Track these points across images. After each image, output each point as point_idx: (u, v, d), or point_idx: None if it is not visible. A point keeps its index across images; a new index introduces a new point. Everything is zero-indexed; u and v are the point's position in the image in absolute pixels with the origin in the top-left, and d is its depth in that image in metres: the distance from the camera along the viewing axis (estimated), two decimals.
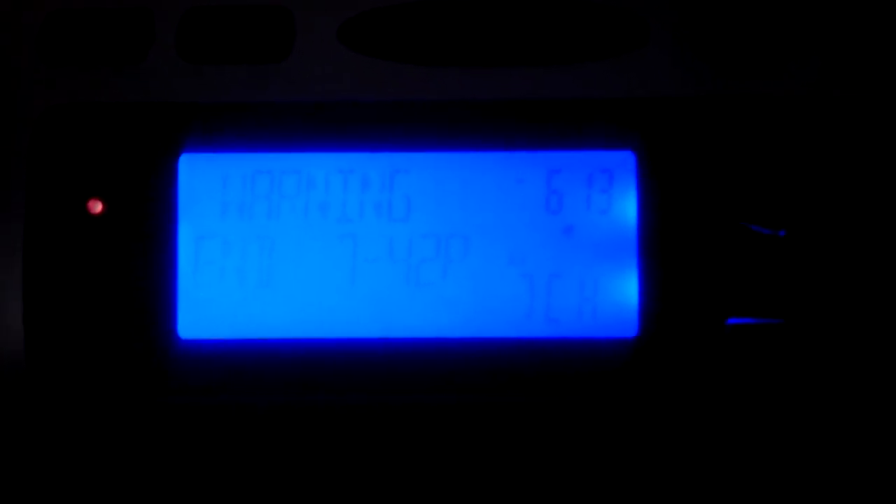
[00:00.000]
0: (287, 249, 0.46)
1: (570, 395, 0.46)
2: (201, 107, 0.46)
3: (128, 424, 0.46)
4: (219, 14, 0.47)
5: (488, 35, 0.46)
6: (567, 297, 0.46)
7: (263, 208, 0.46)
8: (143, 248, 0.46)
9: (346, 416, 0.46)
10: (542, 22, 0.46)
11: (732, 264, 0.45)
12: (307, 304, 0.46)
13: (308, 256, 0.46)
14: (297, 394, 0.46)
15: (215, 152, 0.46)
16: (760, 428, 0.46)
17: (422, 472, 0.46)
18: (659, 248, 0.45)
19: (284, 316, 0.46)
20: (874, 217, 0.45)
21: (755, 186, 0.45)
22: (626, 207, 0.46)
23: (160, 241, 0.46)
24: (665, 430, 0.46)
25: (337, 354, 0.46)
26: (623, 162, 0.46)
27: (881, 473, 0.46)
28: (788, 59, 0.46)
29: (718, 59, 0.46)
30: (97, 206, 0.46)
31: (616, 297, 0.46)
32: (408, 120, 0.46)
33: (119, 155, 0.47)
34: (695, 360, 0.45)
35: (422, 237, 0.46)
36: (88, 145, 0.47)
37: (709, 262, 0.45)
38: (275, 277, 0.46)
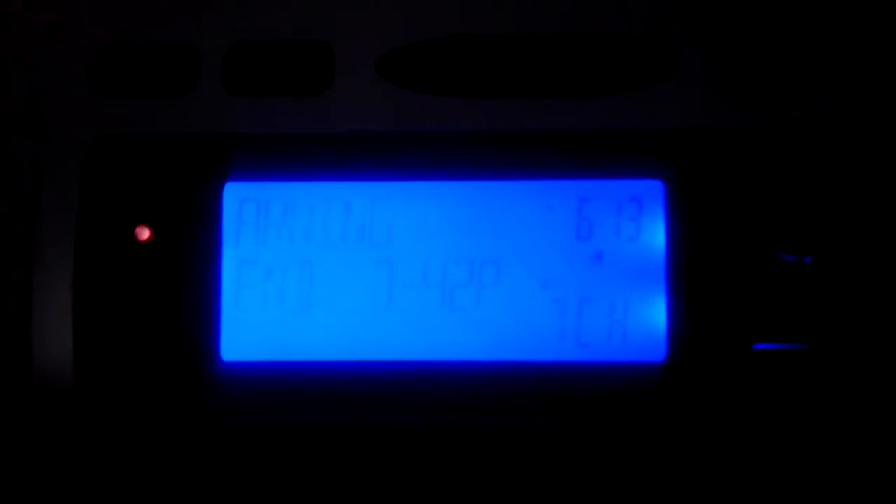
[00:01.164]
0: (326, 274, 0.48)
1: (599, 417, 0.47)
2: (245, 137, 0.48)
3: (173, 444, 0.48)
4: (262, 49, 0.48)
5: (522, 68, 0.48)
6: (597, 321, 0.47)
7: (303, 234, 0.48)
8: (189, 273, 0.48)
9: (382, 437, 0.47)
10: (573, 55, 0.48)
11: (758, 290, 0.46)
12: (345, 328, 0.47)
13: (346, 281, 0.47)
14: (336, 414, 0.47)
15: (258, 181, 0.48)
16: (786, 451, 0.46)
17: (457, 492, 0.47)
18: (686, 274, 0.47)
19: (323, 339, 0.47)
20: None
21: (780, 214, 0.46)
22: (655, 234, 0.47)
23: (204, 267, 0.48)
24: (693, 453, 0.47)
25: (374, 376, 0.47)
26: (652, 190, 0.47)
27: None
28: (813, 90, 0.47)
29: (745, 90, 0.47)
30: (145, 233, 0.48)
31: (645, 321, 0.47)
32: (443, 150, 0.48)
33: (166, 183, 0.48)
34: (722, 384, 0.46)
35: (456, 263, 0.47)
36: (137, 174, 0.48)
37: (735, 288, 0.46)
38: (314, 301, 0.47)
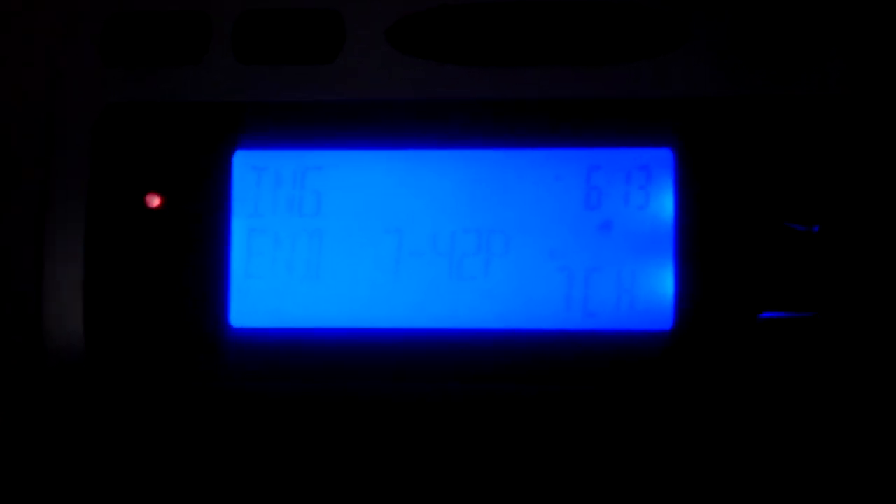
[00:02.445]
0: (334, 242, 0.48)
1: (606, 385, 0.47)
2: (255, 105, 0.48)
3: (183, 411, 0.48)
4: (271, 17, 0.49)
5: (532, 36, 0.48)
6: (605, 290, 0.47)
7: (313, 203, 0.48)
8: (198, 240, 0.48)
9: (390, 404, 0.47)
10: (583, 23, 0.48)
11: (766, 259, 0.46)
12: (353, 296, 0.48)
13: (354, 249, 0.48)
14: (344, 381, 0.47)
15: (268, 149, 0.48)
16: (791, 419, 0.46)
17: (465, 459, 0.48)
18: (694, 243, 0.47)
19: (332, 306, 0.48)
20: None
21: (789, 184, 0.46)
22: (664, 204, 0.47)
23: (214, 234, 0.48)
24: (698, 420, 0.47)
25: (382, 344, 0.47)
26: (661, 159, 0.47)
27: None
28: (823, 59, 0.47)
29: (756, 59, 0.47)
30: (155, 201, 0.48)
31: (652, 290, 0.47)
32: (452, 118, 0.48)
33: (176, 151, 0.48)
34: (728, 353, 0.46)
35: (464, 232, 0.47)
36: (147, 142, 0.49)
37: (742, 257, 0.46)
38: (323, 269, 0.48)
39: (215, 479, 0.48)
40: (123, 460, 0.48)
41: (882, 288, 0.46)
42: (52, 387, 0.48)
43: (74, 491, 0.49)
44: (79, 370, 0.48)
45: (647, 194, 0.47)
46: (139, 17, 0.49)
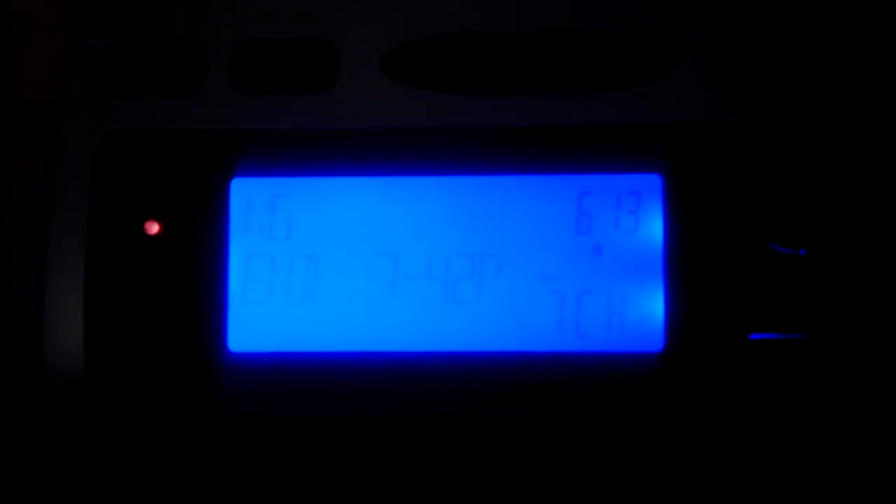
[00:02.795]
0: (331, 267, 0.49)
1: (598, 406, 0.47)
2: (251, 134, 0.49)
3: (181, 434, 0.49)
4: (267, 47, 0.49)
5: (523, 65, 0.49)
6: (596, 313, 0.48)
7: (309, 229, 0.49)
8: (197, 266, 0.49)
9: (386, 427, 0.48)
10: (574, 52, 0.49)
11: (755, 282, 0.47)
12: (350, 320, 0.48)
13: (350, 274, 0.48)
14: (341, 404, 0.48)
15: (265, 176, 0.49)
16: (782, 440, 0.47)
17: (459, 481, 0.48)
18: (684, 266, 0.47)
19: (328, 330, 0.48)
20: (890, 235, 0.47)
21: (776, 207, 0.47)
22: (653, 228, 0.48)
23: (212, 260, 0.49)
24: (690, 442, 0.47)
25: (378, 367, 0.48)
26: (650, 184, 0.48)
27: None
28: (809, 85, 0.48)
29: (743, 86, 0.48)
30: (154, 228, 0.49)
31: (643, 313, 0.48)
32: (445, 146, 0.49)
33: (174, 179, 0.49)
34: (719, 374, 0.47)
35: (458, 256, 0.48)
36: (146, 170, 0.49)
37: (732, 280, 0.47)
38: (319, 294, 0.48)
39: (213, 503, 0.49)
40: (121, 483, 0.49)
41: (870, 310, 0.47)
42: (52, 409, 0.49)
43: None
44: (78, 393, 0.49)
45: (637, 219, 0.48)
46: (138, 47, 0.50)
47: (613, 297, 0.48)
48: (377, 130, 0.49)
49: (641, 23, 0.48)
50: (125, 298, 0.49)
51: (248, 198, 0.49)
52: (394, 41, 0.49)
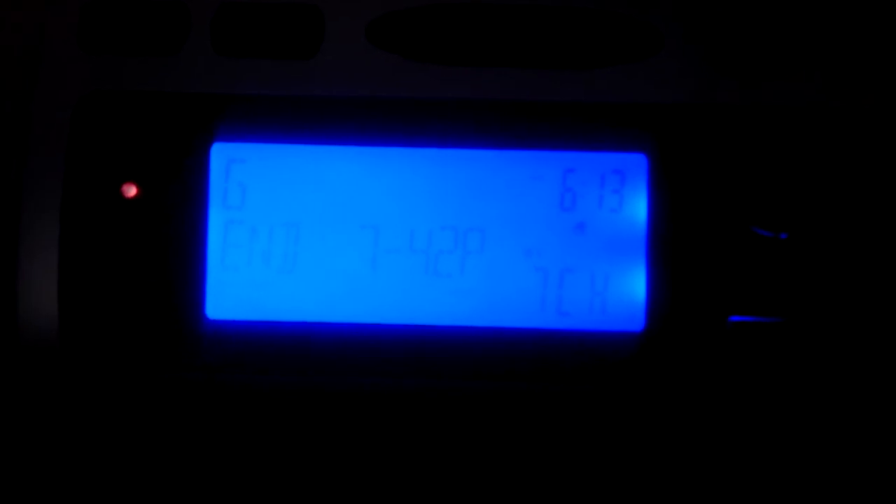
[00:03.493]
0: (311, 237, 0.48)
1: (578, 384, 0.48)
2: (233, 98, 0.49)
3: (157, 401, 0.48)
4: (251, 10, 0.49)
5: (510, 38, 0.49)
6: (578, 291, 0.48)
7: (290, 197, 0.48)
8: (175, 231, 0.48)
9: (362, 398, 0.48)
10: (561, 28, 0.48)
11: (736, 265, 0.48)
12: (329, 290, 0.48)
13: (331, 244, 0.48)
14: (318, 375, 0.48)
15: (245, 142, 0.48)
16: (759, 422, 0.48)
17: (434, 454, 0.49)
18: (667, 246, 0.48)
19: (307, 300, 0.48)
20: (873, 221, 0.47)
21: (759, 191, 0.48)
22: (637, 207, 0.48)
23: (191, 226, 0.48)
24: (667, 421, 0.48)
25: (357, 339, 0.48)
26: (635, 164, 0.48)
27: (880, 472, 0.48)
28: (796, 69, 0.48)
29: (729, 67, 0.48)
30: (131, 191, 0.49)
31: (624, 292, 0.48)
32: (430, 117, 0.48)
33: (153, 142, 0.49)
34: (697, 355, 0.48)
35: (441, 229, 0.48)
36: (124, 132, 0.49)
37: (713, 262, 0.48)
38: (299, 263, 0.48)
39: (188, 470, 0.49)
40: (96, 450, 0.49)
41: (849, 294, 0.47)
42: (26, 376, 0.48)
43: (45, 479, 0.49)
44: (53, 360, 0.48)
45: (621, 198, 0.48)
46: (118, 6, 0.49)
47: (596, 275, 0.48)
48: (361, 99, 0.48)
49: (630, 1, 0.48)
50: (101, 262, 0.48)
51: (229, 163, 0.49)
52: (381, 9, 0.49)
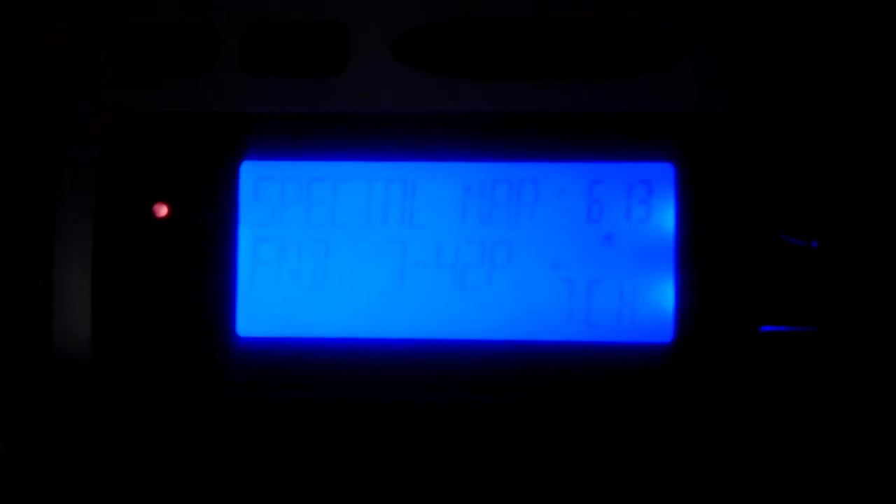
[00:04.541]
0: (340, 253, 0.48)
1: (607, 396, 0.47)
2: (262, 116, 0.49)
3: (189, 418, 0.49)
4: (279, 29, 0.49)
5: (535, 50, 0.48)
6: (606, 302, 0.48)
7: (318, 213, 0.49)
8: (205, 250, 0.49)
9: (393, 413, 0.48)
10: (586, 38, 0.48)
11: (766, 273, 0.47)
12: (358, 306, 0.48)
13: (360, 260, 0.48)
14: (348, 391, 0.48)
15: (274, 160, 0.49)
16: (791, 433, 0.47)
17: (465, 468, 0.48)
18: (695, 256, 0.47)
19: (337, 316, 0.48)
20: None
21: (789, 199, 0.47)
22: (665, 217, 0.48)
23: (221, 244, 0.49)
24: (698, 434, 0.47)
25: (386, 354, 0.48)
26: (662, 173, 0.48)
27: None
28: (824, 75, 0.47)
29: (756, 75, 0.48)
30: (162, 210, 0.49)
31: (653, 303, 0.47)
32: (457, 131, 0.48)
33: (183, 161, 0.49)
34: (728, 366, 0.47)
35: (468, 243, 0.48)
36: (155, 152, 0.49)
37: (743, 271, 0.47)
38: (328, 279, 0.48)
39: (220, 487, 0.49)
40: (128, 467, 0.49)
41: (882, 303, 0.46)
42: (60, 393, 0.48)
43: (79, 495, 0.49)
44: (86, 377, 0.49)
45: (649, 208, 0.48)
46: (148, 28, 0.49)
47: (624, 286, 0.48)
48: (388, 115, 0.49)
49: (655, 9, 0.48)
50: (133, 282, 0.49)
51: (258, 181, 0.49)
52: (406, 24, 0.49)
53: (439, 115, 0.48)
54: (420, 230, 0.48)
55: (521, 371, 0.48)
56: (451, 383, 0.48)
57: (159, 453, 0.49)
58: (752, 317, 0.47)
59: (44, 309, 0.48)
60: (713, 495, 0.48)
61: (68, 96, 0.49)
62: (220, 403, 0.48)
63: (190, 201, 0.49)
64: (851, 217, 0.47)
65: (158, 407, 0.49)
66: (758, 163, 0.47)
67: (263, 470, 0.49)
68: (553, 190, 0.48)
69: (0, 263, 0.50)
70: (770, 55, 0.48)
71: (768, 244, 0.47)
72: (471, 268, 0.48)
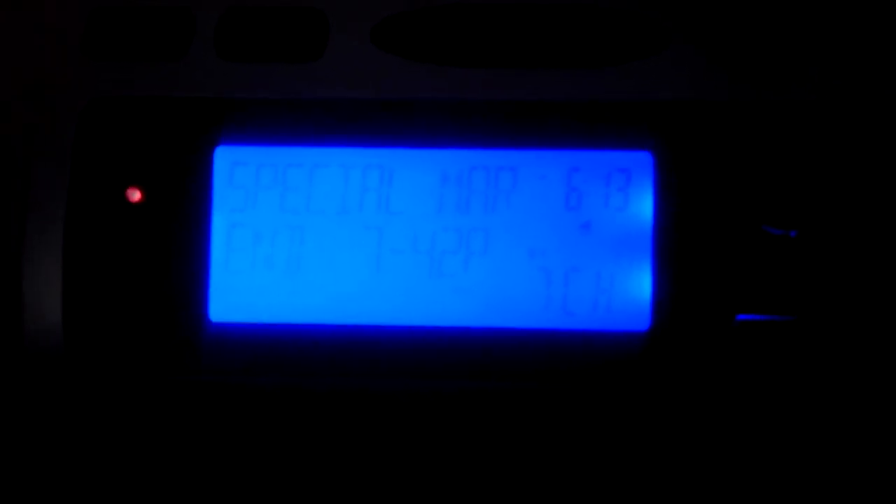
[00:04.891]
0: (315, 239, 0.48)
1: (584, 384, 0.47)
2: (237, 102, 0.49)
3: (161, 404, 0.48)
4: (256, 14, 0.49)
5: (515, 38, 0.48)
6: (583, 290, 0.47)
7: (293, 199, 0.48)
8: (179, 235, 0.48)
9: (369, 400, 0.48)
10: (566, 27, 0.48)
11: (743, 262, 0.47)
12: (333, 292, 0.48)
13: (335, 246, 0.48)
14: (322, 377, 0.48)
15: (249, 145, 0.48)
16: (766, 421, 0.47)
17: (440, 454, 0.48)
18: (672, 245, 0.47)
19: (311, 302, 0.48)
20: (882, 218, 0.46)
21: (767, 188, 0.47)
22: (643, 206, 0.47)
23: (195, 229, 0.48)
24: (673, 422, 0.47)
25: (361, 340, 0.48)
26: (641, 162, 0.48)
27: (886, 471, 0.47)
28: (802, 66, 0.47)
29: (735, 64, 0.48)
30: (136, 195, 0.49)
31: (630, 291, 0.47)
32: (434, 118, 0.48)
33: (158, 146, 0.49)
34: (704, 354, 0.47)
35: (444, 230, 0.48)
36: (129, 137, 0.49)
37: (720, 260, 0.47)
38: (303, 265, 0.48)
39: (193, 474, 0.48)
40: (101, 454, 0.48)
41: (859, 292, 0.46)
42: (31, 380, 0.48)
43: (51, 483, 0.48)
44: (57, 363, 0.48)
45: (627, 196, 0.48)
46: (122, 12, 0.49)
47: (601, 274, 0.47)
48: (365, 101, 0.48)
49: None
50: (105, 266, 0.48)
51: (233, 166, 0.49)
52: (385, 11, 0.49)
53: (417, 101, 0.48)
54: (396, 217, 0.48)
55: (498, 358, 0.47)
56: (427, 370, 0.47)
57: (133, 440, 0.48)
58: (729, 306, 0.47)
59: (14, 295, 0.48)
60: (689, 483, 0.47)
61: (41, 79, 0.49)
62: (193, 389, 0.48)
63: (164, 186, 0.48)
64: (830, 207, 0.47)
65: (131, 393, 0.48)
66: (736, 152, 0.47)
67: (236, 456, 0.48)
68: (531, 177, 0.48)
69: None
70: (749, 45, 0.48)
71: (746, 233, 0.47)
72: (447, 254, 0.48)
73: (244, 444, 0.48)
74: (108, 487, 0.48)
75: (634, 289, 0.47)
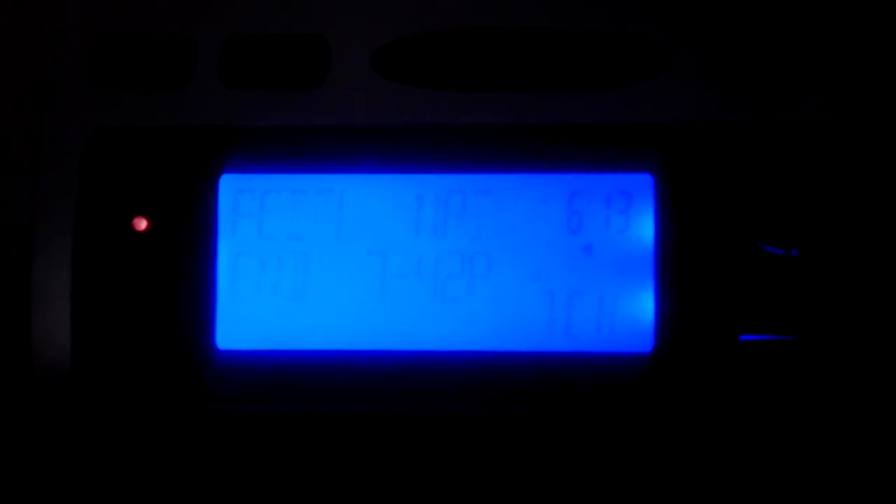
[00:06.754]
0: (320, 265, 0.48)
1: (588, 406, 0.47)
2: (241, 130, 0.49)
3: (169, 432, 0.48)
4: (258, 42, 0.49)
5: (515, 63, 0.49)
6: (586, 313, 0.48)
7: (298, 226, 0.48)
8: (185, 263, 0.49)
9: (375, 426, 0.48)
10: (566, 50, 0.48)
11: (746, 283, 0.47)
12: (338, 318, 0.48)
13: (339, 272, 0.48)
14: (329, 403, 0.48)
15: (254, 173, 0.49)
16: (771, 441, 0.47)
17: (445, 478, 0.48)
18: (674, 266, 0.47)
19: (317, 328, 0.48)
20: (883, 238, 0.47)
21: (768, 208, 0.47)
22: (644, 228, 0.48)
23: (201, 257, 0.49)
24: (678, 443, 0.47)
25: (366, 366, 0.48)
26: (641, 184, 0.48)
27: (890, 490, 0.47)
28: (800, 87, 0.48)
29: (735, 86, 0.48)
30: (142, 224, 0.49)
31: (633, 313, 0.47)
32: (436, 144, 0.48)
33: (163, 175, 0.49)
34: (708, 375, 0.47)
35: (448, 255, 0.48)
36: (134, 165, 0.49)
37: (723, 281, 0.47)
38: (308, 291, 0.48)
39: (200, 501, 0.49)
40: (107, 480, 0.49)
41: (861, 312, 0.46)
42: (39, 406, 0.48)
43: None
44: (65, 390, 0.48)
45: (628, 218, 0.48)
46: (127, 41, 0.49)
47: (604, 297, 0.48)
48: (367, 127, 0.49)
49: (634, 21, 0.48)
50: (113, 295, 0.49)
51: (237, 194, 0.49)
52: (385, 37, 0.49)
53: (419, 127, 0.48)
54: (400, 242, 0.48)
55: (502, 382, 0.48)
56: (431, 395, 0.48)
57: (139, 468, 0.49)
58: (732, 326, 0.47)
59: (23, 322, 0.48)
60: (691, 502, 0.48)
61: (47, 109, 0.49)
62: (199, 416, 0.48)
63: (169, 215, 0.49)
64: (831, 226, 0.47)
65: (138, 420, 0.48)
66: (737, 173, 0.47)
67: (244, 483, 0.49)
68: (533, 201, 0.48)
69: None
70: (749, 68, 0.48)
71: (748, 254, 0.47)
72: (451, 279, 0.48)
73: (251, 471, 0.48)
74: None
75: (637, 311, 0.47)
